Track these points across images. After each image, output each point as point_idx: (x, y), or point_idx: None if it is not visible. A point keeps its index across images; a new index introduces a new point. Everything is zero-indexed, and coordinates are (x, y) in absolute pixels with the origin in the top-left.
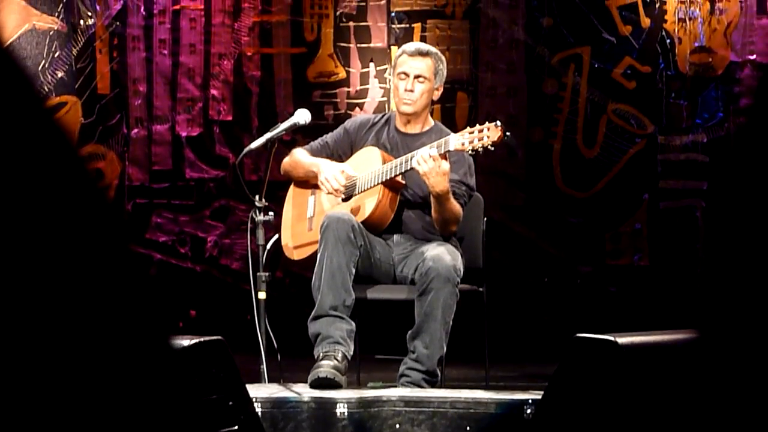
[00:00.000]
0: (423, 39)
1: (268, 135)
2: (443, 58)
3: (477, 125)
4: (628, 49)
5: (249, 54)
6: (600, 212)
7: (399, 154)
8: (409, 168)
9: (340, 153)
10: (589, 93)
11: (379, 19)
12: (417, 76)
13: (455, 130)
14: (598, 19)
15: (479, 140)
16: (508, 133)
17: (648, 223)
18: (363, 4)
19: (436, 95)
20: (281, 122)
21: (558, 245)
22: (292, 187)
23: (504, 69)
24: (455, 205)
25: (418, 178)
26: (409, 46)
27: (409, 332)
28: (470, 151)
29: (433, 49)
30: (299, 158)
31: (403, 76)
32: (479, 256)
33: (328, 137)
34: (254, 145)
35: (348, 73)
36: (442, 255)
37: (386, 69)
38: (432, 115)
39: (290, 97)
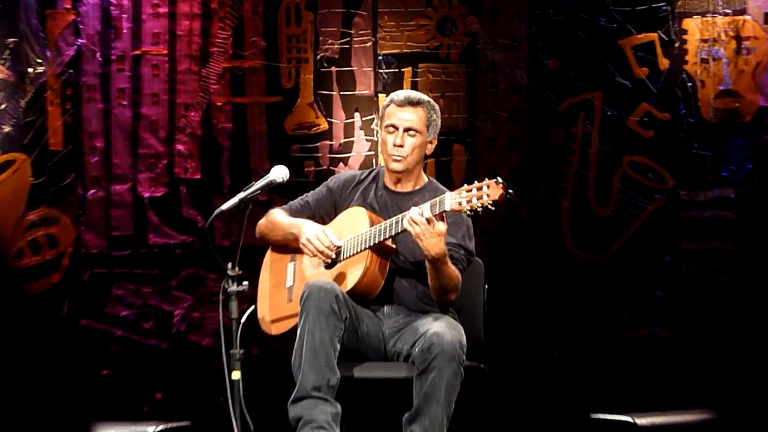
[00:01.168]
0: (414, 85)
1: (241, 195)
2: (437, 106)
3: (476, 182)
4: (645, 94)
5: (219, 104)
6: (615, 277)
7: (389, 215)
8: (400, 230)
9: (323, 214)
10: (602, 144)
11: (364, 64)
12: (407, 129)
13: (452, 188)
14: (611, 60)
15: (478, 199)
16: (510, 191)
17: (669, 289)
18: (347, 46)
19: (430, 149)
20: (256, 180)
21: (568, 315)
22: (269, 252)
23: (505, 118)
24: (453, 271)
25: (411, 241)
26: (398, 95)
27: (406, 415)
28: (468, 212)
29: (425, 98)
30: (277, 219)
31: (391, 128)
32: (480, 328)
33: (309, 196)
34: (226, 206)
35: (330, 124)
36: (445, 330)
37: (373, 119)
38: (425, 171)
39: (266, 151)
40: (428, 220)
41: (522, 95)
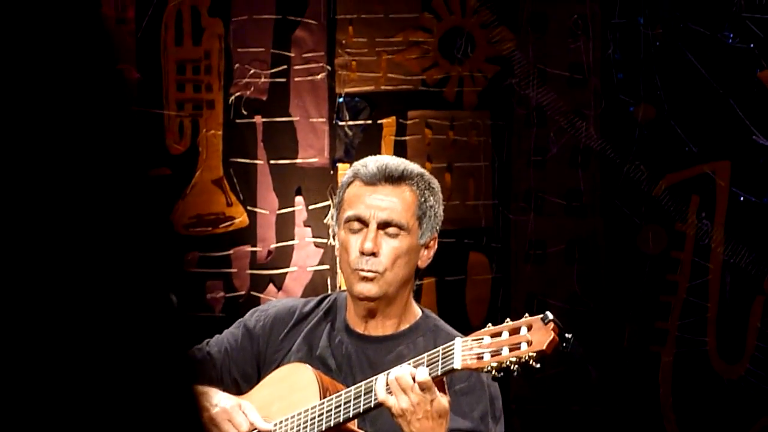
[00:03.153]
0: (400, 148)
1: None
2: (437, 184)
3: (508, 320)
4: None
5: None
6: None
7: (353, 377)
8: (373, 404)
9: (237, 375)
10: (731, 251)
11: (312, 111)
12: (384, 225)
13: (465, 330)
14: (744, 106)
15: (512, 349)
16: (568, 336)
17: None
18: (282, 80)
19: (426, 259)
20: None
21: None
22: None
23: (561, 207)
24: None
25: (392, 424)
26: (368, 165)
27: None
28: (494, 372)
29: (416, 169)
30: None
31: (356, 225)
32: None
33: (213, 345)
34: None
35: (253, 217)
36: None
37: (328, 208)
38: (418, 299)
39: None
40: (422, 386)
41: (590, 167)
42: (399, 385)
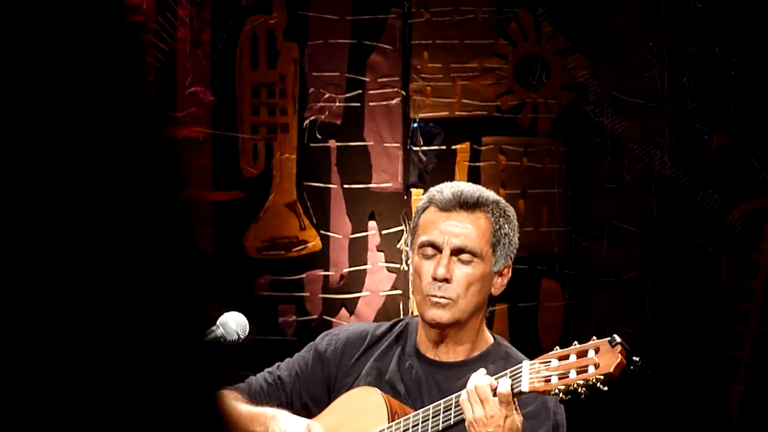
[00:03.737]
0: (473, 174)
1: None
2: (512, 212)
3: (575, 343)
4: None
5: None
6: None
7: (422, 402)
8: (440, 427)
9: (307, 399)
10: None
11: (387, 135)
12: (458, 251)
13: (534, 355)
14: None
15: (579, 372)
16: (636, 359)
17: None
18: (357, 104)
19: (499, 286)
20: None
21: None
22: None
23: (634, 234)
24: None
25: None
26: (443, 191)
27: None
28: (561, 395)
29: (491, 196)
30: (226, 407)
31: (429, 250)
32: None
33: (284, 369)
34: None
35: (326, 240)
36: None
37: (402, 233)
38: (491, 326)
39: (210, 287)
40: (501, 399)
41: (663, 195)
42: (477, 394)
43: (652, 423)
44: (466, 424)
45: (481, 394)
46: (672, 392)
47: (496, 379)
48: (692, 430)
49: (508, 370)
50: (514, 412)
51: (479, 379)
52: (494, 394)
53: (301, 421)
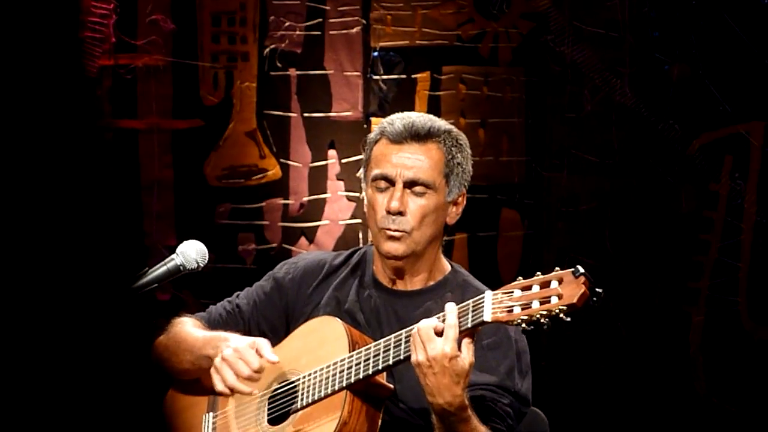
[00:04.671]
0: (434, 104)
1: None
2: (465, 140)
3: (538, 273)
4: None
5: None
6: None
7: (381, 332)
8: (402, 357)
9: (264, 327)
10: (764, 212)
11: (347, 64)
12: (411, 183)
13: (496, 285)
14: None
15: (542, 302)
16: (599, 290)
17: None
18: (317, 32)
19: (454, 215)
20: (151, 265)
21: None
22: (170, 391)
23: (594, 164)
24: None
25: (416, 381)
26: (394, 123)
27: None
28: (524, 326)
29: (443, 125)
30: (185, 334)
31: (383, 183)
32: None
33: (242, 298)
34: None
35: (286, 169)
36: None
37: (361, 163)
38: (449, 255)
39: (170, 215)
40: (446, 340)
41: (624, 126)
42: (419, 338)
43: (611, 352)
44: (415, 367)
45: (424, 336)
46: (631, 322)
47: (441, 321)
48: (651, 361)
49: (468, 302)
50: (460, 354)
51: (422, 323)
52: (437, 334)
53: (246, 338)
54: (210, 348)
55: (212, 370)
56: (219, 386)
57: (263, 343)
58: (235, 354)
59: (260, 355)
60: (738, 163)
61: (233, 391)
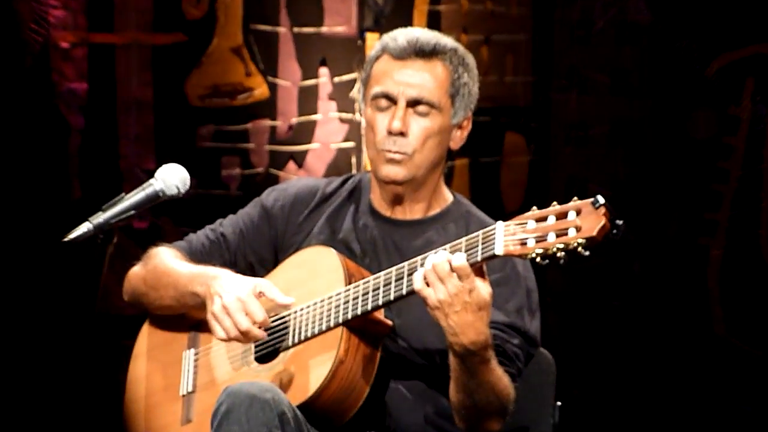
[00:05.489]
0: (433, 19)
1: (103, 216)
2: (472, 59)
3: (554, 203)
4: None
5: (64, 45)
6: None
7: (379, 263)
8: (404, 292)
9: (253, 259)
10: None
11: None
12: (414, 103)
13: (501, 216)
14: None
15: (559, 235)
16: (619, 222)
17: None
18: None
19: (459, 139)
20: (129, 190)
21: None
22: (146, 327)
23: (606, 85)
24: (500, 376)
25: (422, 315)
26: (397, 38)
27: None
28: (538, 260)
29: (449, 42)
30: (165, 266)
31: (383, 102)
32: None
33: (227, 226)
34: (73, 235)
35: (273, 88)
36: None
37: (354, 81)
38: (450, 183)
39: (149, 137)
40: (460, 274)
41: (638, 44)
42: (436, 274)
43: (622, 288)
44: (429, 309)
45: (440, 272)
46: (644, 256)
47: (451, 252)
48: (666, 298)
49: (478, 233)
50: (478, 282)
51: (434, 256)
52: (452, 269)
53: (247, 281)
54: (198, 285)
55: (209, 317)
56: (220, 335)
57: (267, 285)
58: (237, 303)
59: (265, 298)
60: (760, 86)
61: (229, 338)
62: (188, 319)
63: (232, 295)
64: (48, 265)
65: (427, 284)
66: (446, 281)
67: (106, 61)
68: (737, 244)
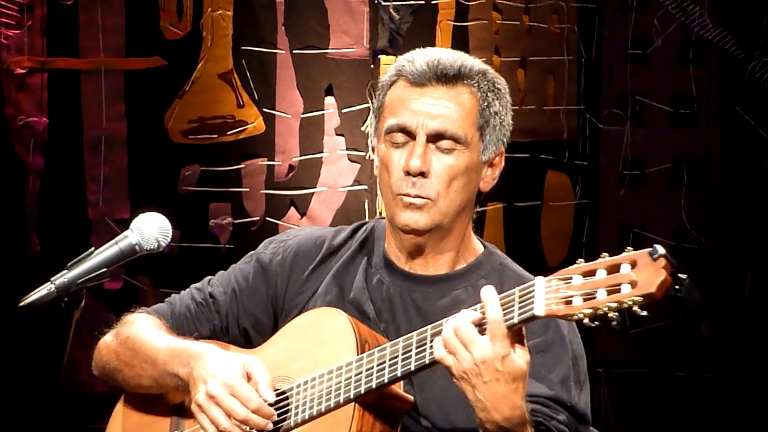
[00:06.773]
0: (459, 38)
1: (68, 276)
2: (503, 85)
3: (604, 255)
4: None
5: (19, 71)
6: None
7: (396, 328)
8: (426, 362)
9: (246, 323)
10: None
11: None
12: (435, 137)
13: (542, 270)
14: None
15: (610, 292)
16: (683, 276)
17: None
18: None
19: (489, 179)
20: (98, 245)
21: None
22: (119, 406)
23: (664, 114)
24: None
25: (448, 389)
26: (415, 61)
27: None
28: (586, 321)
29: (478, 65)
30: (141, 338)
31: (400, 137)
32: None
33: (217, 285)
34: (32, 299)
35: (271, 121)
36: None
37: (367, 113)
38: (481, 231)
39: (123, 180)
40: (492, 332)
41: (704, 64)
42: (459, 339)
43: (689, 357)
44: (455, 380)
45: (464, 337)
46: (714, 319)
47: (479, 310)
48: (738, 367)
49: (514, 290)
50: (512, 351)
51: (456, 319)
52: (482, 332)
53: (235, 359)
54: (178, 365)
55: (194, 408)
56: (208, 428)
57: (257, 367)
58: (224, 389)
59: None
60: None
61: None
62: (167, 401)
63: (217, 380)
64: (2, 333)
65: (447, 347)
66: (471, 347)
67: (70, 91)
68: None
